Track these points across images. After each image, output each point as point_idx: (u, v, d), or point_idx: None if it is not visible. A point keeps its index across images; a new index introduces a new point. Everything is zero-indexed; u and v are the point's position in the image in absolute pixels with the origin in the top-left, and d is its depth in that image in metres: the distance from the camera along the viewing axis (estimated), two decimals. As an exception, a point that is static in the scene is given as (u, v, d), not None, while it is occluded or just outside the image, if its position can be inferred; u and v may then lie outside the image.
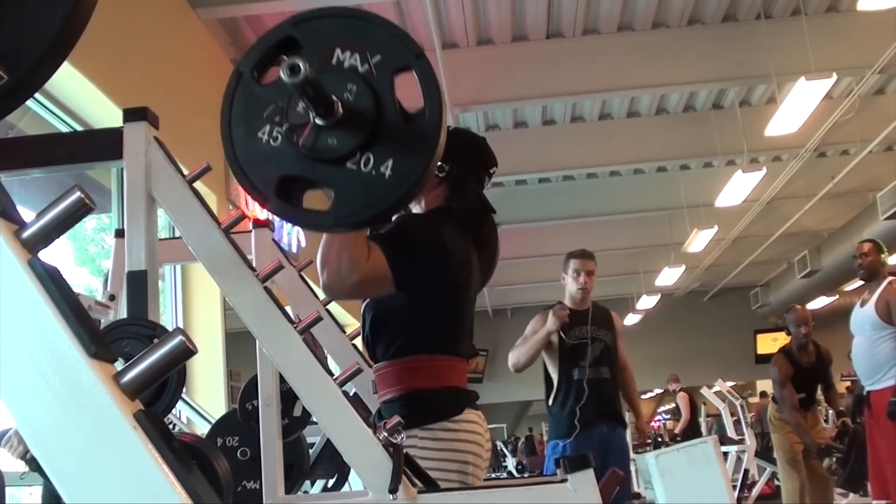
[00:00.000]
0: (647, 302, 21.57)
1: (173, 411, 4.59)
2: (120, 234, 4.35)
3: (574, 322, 6.64)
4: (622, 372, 6.76)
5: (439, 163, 3.22)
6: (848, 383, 16.87)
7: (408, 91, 2.01)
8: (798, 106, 9.86)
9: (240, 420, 3.72)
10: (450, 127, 3.42)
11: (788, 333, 8.58)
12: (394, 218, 3.07)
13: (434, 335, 3.04)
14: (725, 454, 7.30)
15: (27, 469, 3.04)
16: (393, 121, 1.95)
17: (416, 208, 3.30)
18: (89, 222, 7.08)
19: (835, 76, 9.58)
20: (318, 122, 1.93)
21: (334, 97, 1.92)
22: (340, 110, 1.92)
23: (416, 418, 2.82)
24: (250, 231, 3.79)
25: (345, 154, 1.95)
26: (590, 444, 6.30)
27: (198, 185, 2.42)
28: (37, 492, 3.48)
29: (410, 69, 1.98)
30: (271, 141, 2.00)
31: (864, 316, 7.18)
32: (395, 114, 1.96)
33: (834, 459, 8.15)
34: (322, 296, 4.00)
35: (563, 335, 6.54)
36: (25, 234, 1.04)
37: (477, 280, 3.33)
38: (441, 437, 2.88)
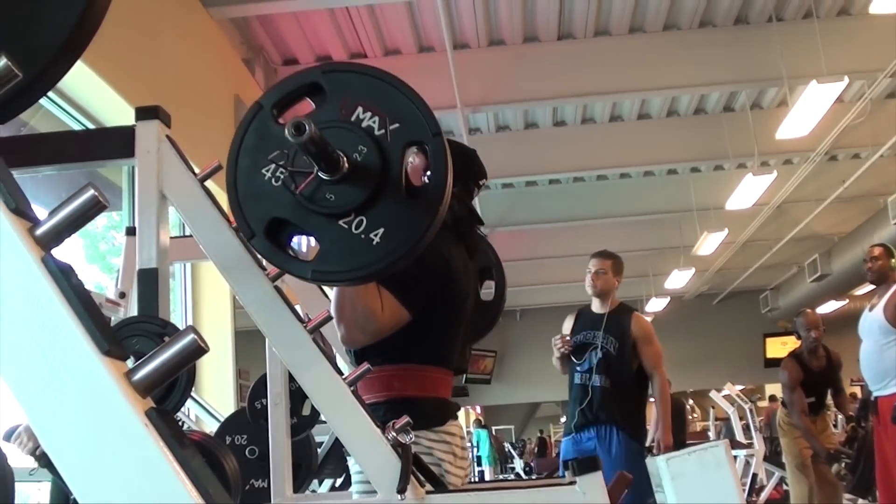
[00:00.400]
0: (657, 304, 21.53)
1: (182, 409, 4.60)
2: (131, 231, 4.37)
3: (585, 325, 6.71)
4: (651, 379, 6.58)
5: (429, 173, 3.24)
6: (858, 388, 16.84)
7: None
8: (809, 109, 9.84)
9: (248, 419, 3.73)
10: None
11: (798, 337, 8.55)
12: None
13: (427, 346, 3.04)
14: (734, 458, 7.27)
15: (36, 465, 3.05)
16: (395, 190, 1.96)
17: None
18: (100, 220, 7.09)
19: (846, 79, 9.55)
20: (322, 175, 1.93)
21: (342, 154, 1.93)
22: (346, 167, 1.93)
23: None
24: (261, 230, 3.78)
25: (340, 212, 1.96)
26: (578, 446, 6.46)
27: (209, 183, 2.42)
28: (45, 488, 3.49)
29: (424, 145, 1.98)
30: (272, 180, 2.00)
31: (872, 320, 7.15)
32: (399, 184, 1.97)
33: (843, 465, 8.13)
34: (332, 294, 4.01)
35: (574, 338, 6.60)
36: (39, 231, 1.04)
37: (474, 292, 3.34)
38: (421, 444, 2.87)
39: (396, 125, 1.97)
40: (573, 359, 6.61)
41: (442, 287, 3.00)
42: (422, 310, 2.92)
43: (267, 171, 2.01)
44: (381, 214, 1.95)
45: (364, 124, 1.97)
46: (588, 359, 6.53)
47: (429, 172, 2.02)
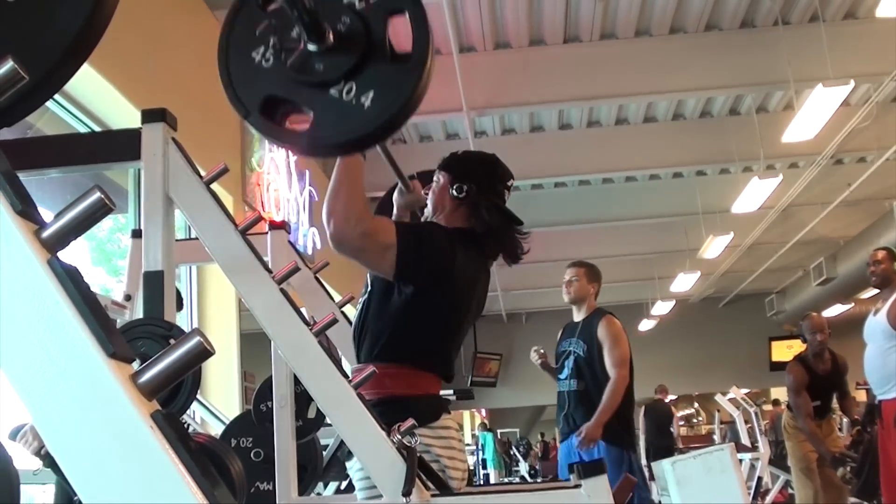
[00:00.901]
0: (662, 308, 21.49)
1: (188, 412, 4.60)
2: (137, 234, 4.37)
3: (566, 334, 6.97)
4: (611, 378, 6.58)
5: (458, 184, 3.29)
6: (863, 392, 16.83)
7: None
8: (815, 113, 9.82)
9: (254, 421, 3.73)
10: (458, 151, 3.46)
11: (804, 341, 8.54)
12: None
13: (421, 351, 3.06)
14: (739, 462, 7.27)
15: (41, 465, 3.06)
16: (380, 56, 2.01)
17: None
18: (106, 222, 7.10)
19: (852, 83, 9.53)
20: (310, 46, 1.98)
21: (327, 25, 1.97)
22: (331, 38, 1.97)
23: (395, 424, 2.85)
24: (266, 233, 3.80)
25: (329, 80, 2.01)
26: (563, 452, 6.61)
27: (214, 186, 2.43)
28: (50, 489, 3.49)
29: (404, 12, 2.01)
30: (263, 61, 2.06)
31: (876, 324, 7.13)
32: (384, 51, 2.01)
33: (848, 469, 8.12)
34: (338, 298, 4.02)
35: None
36: (45, 233, 1.04)
37: (477, 309, 3.35)
38: (420, 443, 2.88)
39: None
40: (557, 368, 6.74)
41: (438, 275, 3.02)
42: (412, 292, 2.95)
43: (257, 53, 2.08)
44: (369, 78, 2.00)
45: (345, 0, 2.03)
46: (565, 366, 6.64)
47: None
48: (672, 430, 17.23)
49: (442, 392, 3.22)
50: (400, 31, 2.05)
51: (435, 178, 3.42)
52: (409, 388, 3.01)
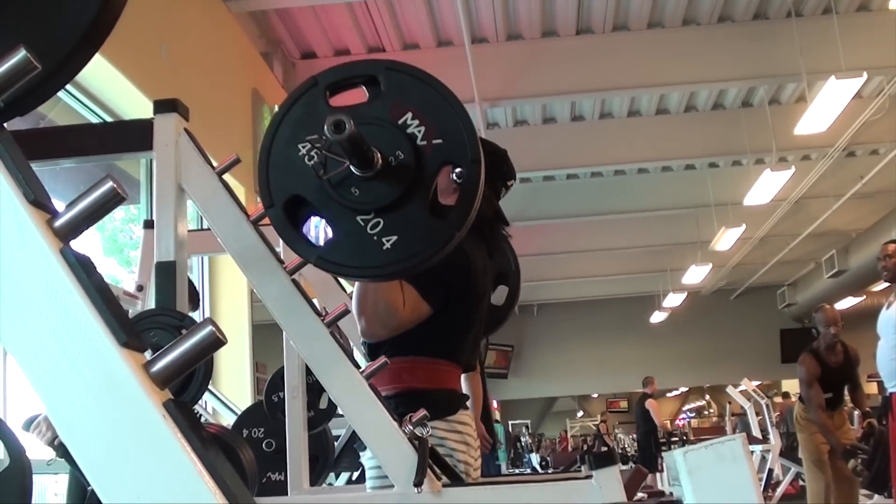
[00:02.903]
0: (674, 300, 21.47)
1: (200, 402, 4.61)
2: (149, 224, 4.38)
3: None
4: None
5: (460, 169, 3.27)
6: (874, 384, 16.79)
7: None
8: (828, 105, 9.80)
9: (266, 412, 3.74)
10: None
11: (817, 333, 8.54)
12: None
13: (440, 340, 3.05)
14: (750, 453, 7.24)
15: (54, 455, 3.07)
16: (420, 203, 1.95)
17: None
18: (118, 213, 7.11)
19: (865, 75, 9.51)
20: (353, 169, 1.93)
21: (379, 152, 1.92)
22: (379, 165, 1.92)
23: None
24: (278, 223, 3.80)
25: (360, 208, 1.95)
26: None
27: (226, 176, 2.43)
28: (63, 479, 3.50)
29: (459, 167, 1.98)
30: (305, 158, 2.00)
31: (888, 318, 7.13)
32: (426, 198, 1.96)
33: (859, 461, 8.10)
34: (349, 289, 4.02)
35: None
36: (58, 222, 1.04)
37: (490, 291, 3.35)
38: (433, 435, 2.88)
39: (440, 140, 1.96)
40: None
41: (463, 285, 3.01)
42: (442, 307, 2.94)
43: (303, 147, 2.01)
44: (399, 222, 1.95)
45: (409, 130, 1.96)
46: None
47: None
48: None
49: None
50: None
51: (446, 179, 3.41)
52: (427, 381, 3.01)
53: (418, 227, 1.96)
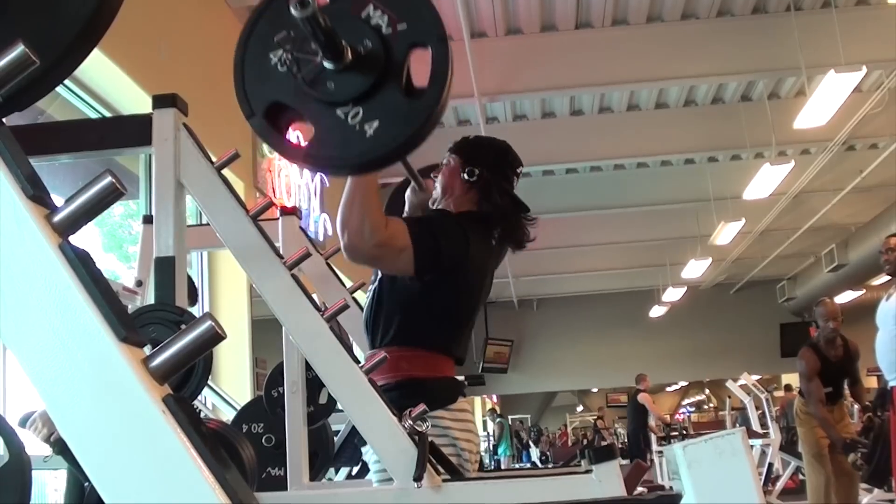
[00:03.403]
0: (674, 294, 21.46)
1: (199, 398, 4.61)
2: (148, 220, 4.38)
3: None
4: None
5: (469, 167, 3.29)
6: (874, 378, 16.79)
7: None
8: (827, 99, 9.79)
9: (265, 407, 3.74)
10: (470, 136, 3.46)
11: (817, 327, 8.54)
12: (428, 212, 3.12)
13: (436, 333, 3.07)
14: (750, 448, 7.23)
15: (51, 452, 3.06)
16: (394, 87, 2.00)
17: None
18: (117, 208, 7.11)
19: (865, 69, 9.50)
20: (326, 63, 1.96)
21: (347, 46, 1.96)
22: (349, 58, 1.96)
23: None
24: (278, 219, 3.81)
25: (338, 100, 2.01)
26: None
27: (226, 172, 2.43)
28: (61, 475, 3.50)
29: (427, 47, 2.00)
30: (279, 65, 2.06)
31: (888, 310, 7.13)
32: (399, 81, 2.01)
33: (859, 454, 8.11)
34: (349, 283, 4.02)
35: None
36: (56, 218, 1.04)
37: (488, 289, 3.36)
38: (437, 425, 2.89)
39: (404, 25, 2.03)
40: None
41: (454, 264, 3.02)
42: (429, 281, 2.95)
43: (274, 55, 2.07)
44: (377, 108, 2.00)
45: (373, 21, 2.03)
46: None
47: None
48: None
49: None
50: (422, 68, 2.04)
51: (444, 161, 3.42)
52: (427, 370, 3.02)
53: (396, 109, 2.01)
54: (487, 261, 3.28)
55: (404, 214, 3.53)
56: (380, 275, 3.15)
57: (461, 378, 3.25)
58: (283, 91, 2.04)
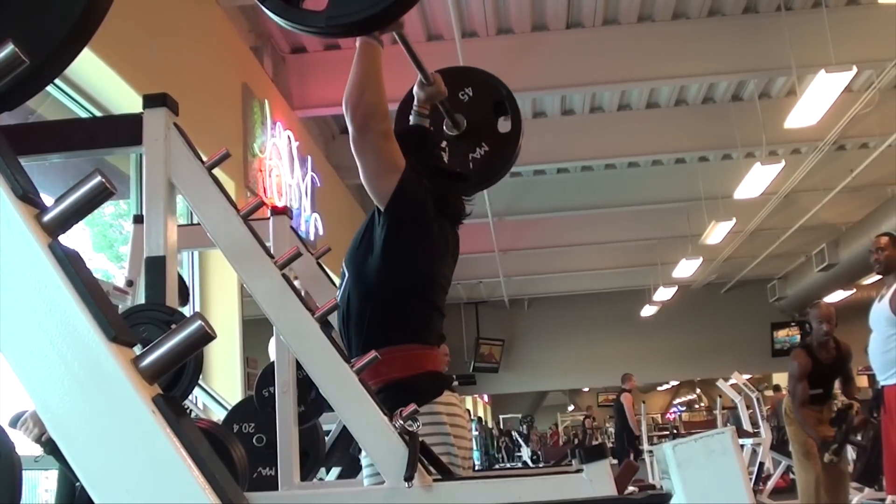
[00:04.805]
0: (665, 293, 21.48)
1: (190, 397, 4.61)
2: (139, 220, 4.37)
3: None
4: None
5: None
6: (865, 377, 16.81)
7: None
8: (818, 98, 9.81)
9: (256, 407, 3.74)
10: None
11: (810, 328, 8.55)
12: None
13: (406, 322, 3.05)
14: (741, 447, 7.25)
15: (42, 452, 3.06)
16: None
17: None
18: (108, 208, 7.10)
19: (855, 69, 9.52)
20: None
21: None
22: None
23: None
24: (268, 218, 3.81)
25: None
26: None
27: (216, 171, 2.43)
28: (52, 475, 3.50)
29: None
30: None
31: (879, 311, 7.14)
32: None
33: (832, 450, 8.09)
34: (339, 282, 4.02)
35: None
36: (46, 217, 1.04)
37: (452, 263, 3.34)
38: (424, 422, 2.88)
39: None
40: None
41: (421, 228, 3.04)
42: (394, 210, 3.01)
43: None
44: None
45: None
46: None
47: None
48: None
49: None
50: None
51: None
52: (406, 369, 3.00)
53: None
54: (446, 244, 3.26)
55: (413, 110, 3.52)
56: (345, 274, 3.14)
57: (451, 375, 3.23)
58: None
